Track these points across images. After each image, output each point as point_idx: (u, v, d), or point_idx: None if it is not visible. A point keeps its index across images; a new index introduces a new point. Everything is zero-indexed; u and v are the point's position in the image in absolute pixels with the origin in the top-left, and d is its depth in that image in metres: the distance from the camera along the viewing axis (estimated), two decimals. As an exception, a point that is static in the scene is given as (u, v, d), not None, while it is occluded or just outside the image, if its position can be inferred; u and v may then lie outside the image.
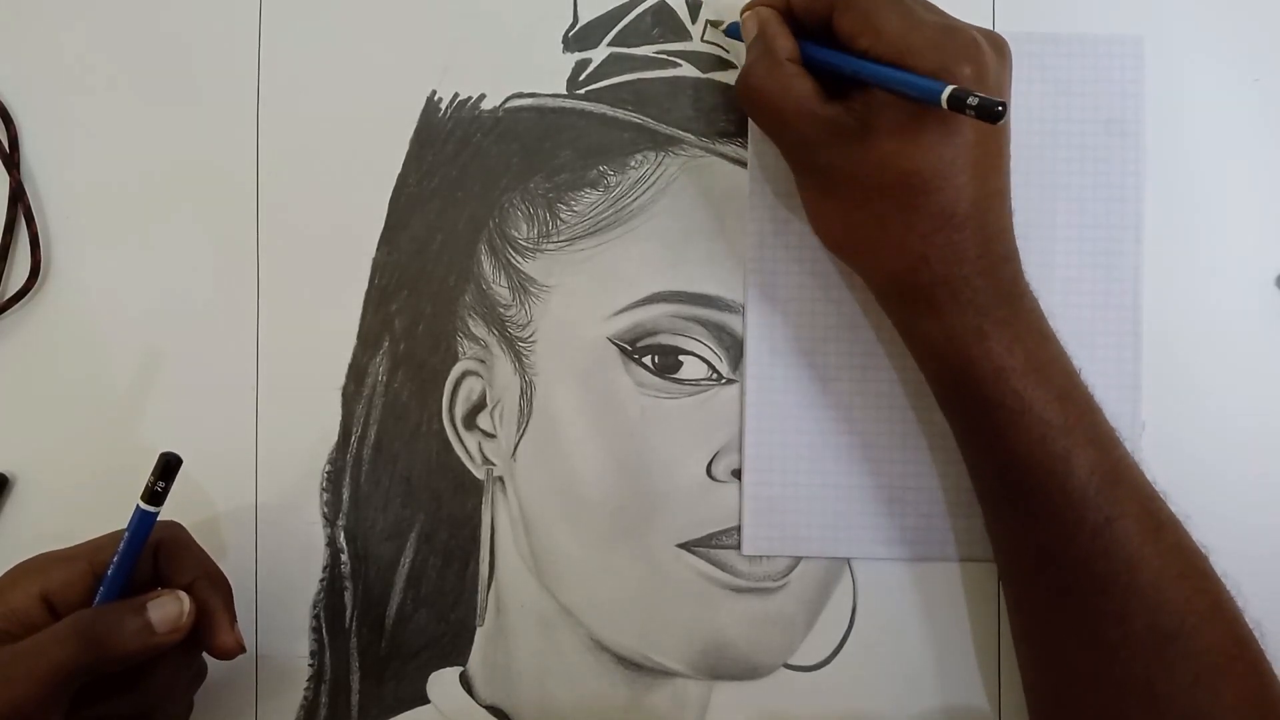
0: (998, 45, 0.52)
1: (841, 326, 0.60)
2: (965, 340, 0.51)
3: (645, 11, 0.61)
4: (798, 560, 0.60)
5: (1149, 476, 0.52)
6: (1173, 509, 0.51)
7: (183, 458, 0.51)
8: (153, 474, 0.51)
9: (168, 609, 0.50)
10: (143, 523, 0.51)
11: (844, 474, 0.60)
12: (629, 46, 0.61)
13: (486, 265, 0.61)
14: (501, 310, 0.61)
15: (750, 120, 0.60)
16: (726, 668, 0.60)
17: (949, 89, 0.47)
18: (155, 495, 0.51)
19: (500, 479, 0.61)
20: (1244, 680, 0.49)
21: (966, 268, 0.51)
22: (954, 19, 0.52)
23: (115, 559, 0.51)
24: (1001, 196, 0.52)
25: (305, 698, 0.60)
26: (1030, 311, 0.52)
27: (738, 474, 0.60)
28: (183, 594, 0.51)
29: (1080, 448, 0.50)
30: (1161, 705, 0.49)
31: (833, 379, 0.60)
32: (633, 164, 0.61)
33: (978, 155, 0.50)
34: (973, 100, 0.46)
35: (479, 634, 0.60)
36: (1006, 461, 0.51)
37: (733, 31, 0.59)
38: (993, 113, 0.45)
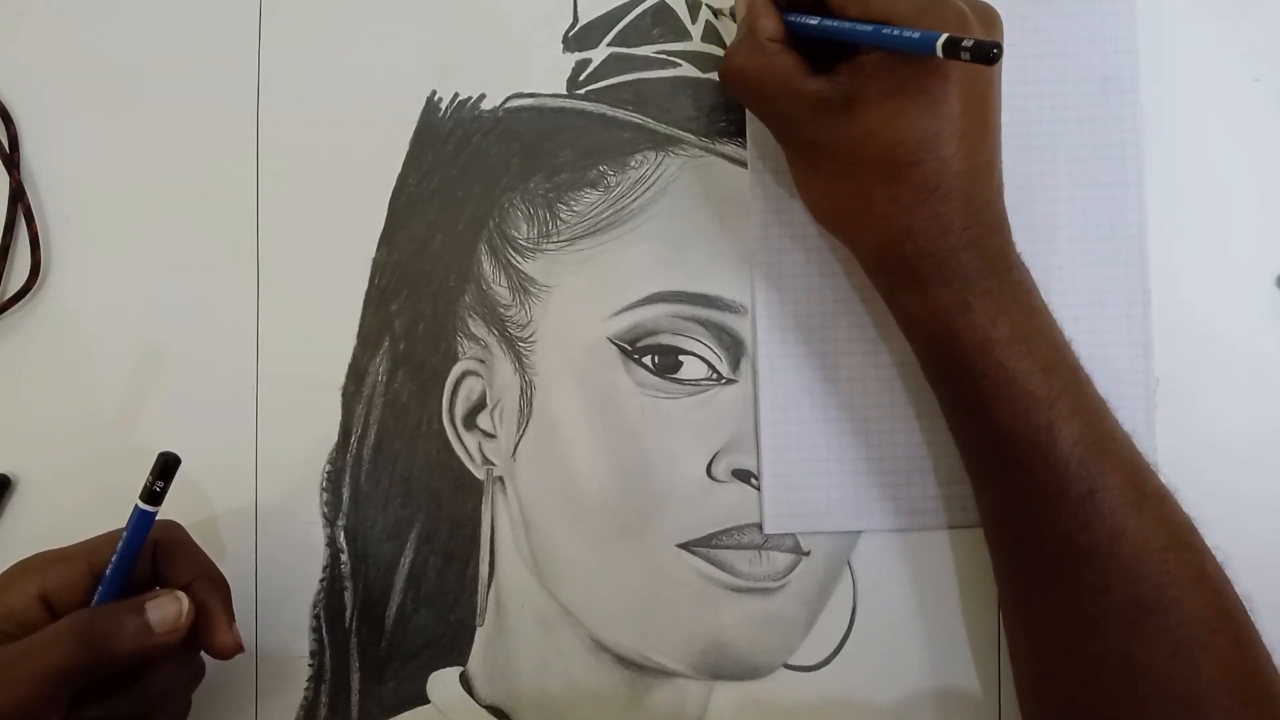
0: (986, 18, 0.51)
1: (851, 300, 0.60)
2: (950, 313, 0.51)
3: (645, 11, 0.61)
4: (798, 560, 0.60)
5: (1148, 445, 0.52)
6: (1161, 480, 0.51)
7: (182, 458, 0.51)
8: (151, 473, 0.51)
9: (166, 609, 0.50)
10: (141, 522, 0.51)
11: (860, 447, 0.60)
12: (629, 46, 0.61)
13: (486, 265, 0.61)
14: (501, 310, 0.61)
15: (747, 112, 0.60)
16: (726, 668, 0.60)
17: (943, 36, 0.46)
18: (154, 495, 0.51)
19: (500, 479, 0.61)
20: (1225, 653, 0.49)
21: (952, 240, 0.50)
22: None
23: (114, 559, 0.51)
24: (990, 168, 0.52)
25: (305, 698, 0.60)
26: (1018, 283, 0.52)
27: (738, 474, 0.60)
28: (181, 594, 0.51)
29: (1064, 420, 0.50)
30: (1139, 677, 0.48)
31: (844, 353, 0.60)
32: (633, 164, 0.61)
33: (964, 126, 0.50)
34: (967, 43, 0.45)
35: (479, 634, 0.60)
36: (991, 433, 0.51)
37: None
38: (988, 55, 0.45)
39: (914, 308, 0.52)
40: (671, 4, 0.61)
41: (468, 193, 0.61)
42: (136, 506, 0.51)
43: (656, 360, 0.60)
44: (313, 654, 0.60)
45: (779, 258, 0.60)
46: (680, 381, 0.60)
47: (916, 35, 0.47)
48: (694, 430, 0.60)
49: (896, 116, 0.50)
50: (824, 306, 0.60)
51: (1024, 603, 0.54)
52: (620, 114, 0.61)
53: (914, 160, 0.50)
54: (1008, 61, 0.57)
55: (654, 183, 0.61)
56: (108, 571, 0.51)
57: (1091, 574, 0.49)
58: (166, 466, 0.51)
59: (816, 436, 0.60)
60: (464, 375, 0.61)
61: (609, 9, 0.62)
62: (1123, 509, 0.49)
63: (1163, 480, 0.51)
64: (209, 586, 0.53)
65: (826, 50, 0.53)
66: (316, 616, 0.60)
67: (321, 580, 0.61)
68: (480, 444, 0.61)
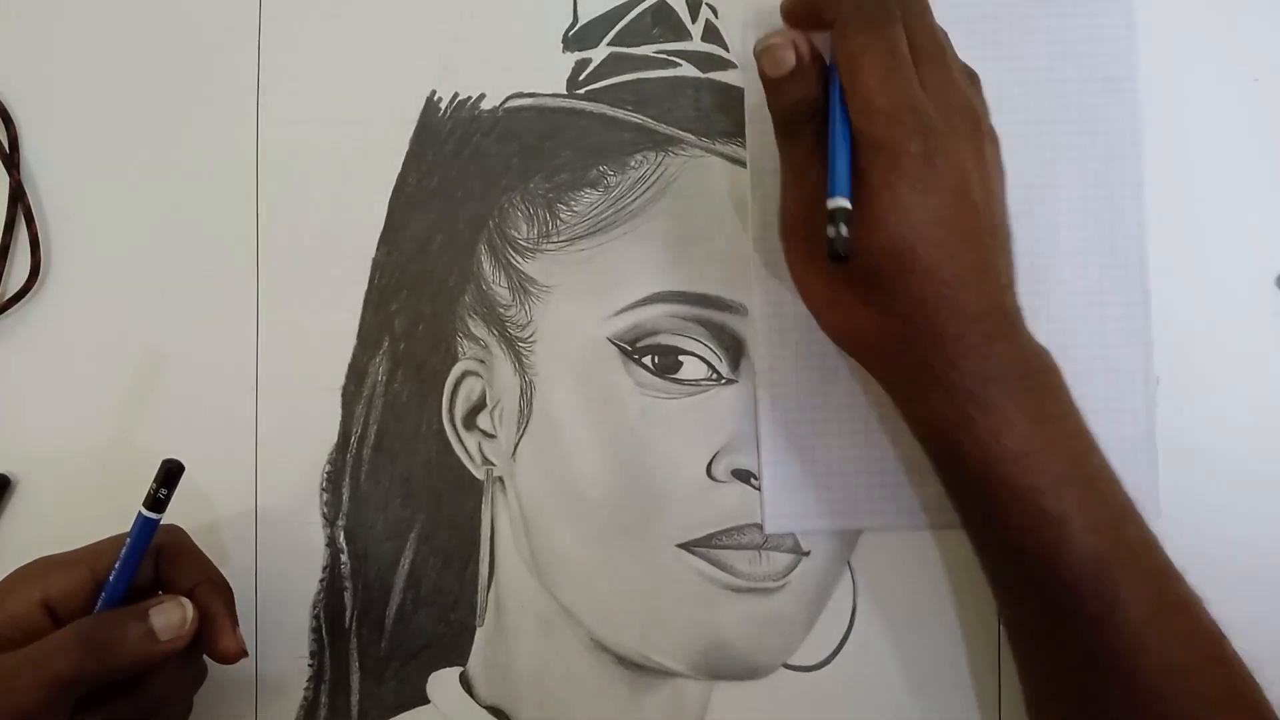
0: (973, 80, 0.51)
1: None
2: (950, 427, 0.49)
3: (645, 11, 0.61)
4: (798, 560, 0.60)
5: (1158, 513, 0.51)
6: (1190, 587, 0.49)
7: (182, 458, 0.51)
8: (155, 481, 0.51)
9: (170, 615, 0.50)
10: (144, 529, 0.51)
11: (860, 447, 0.60)
12: (629, 46, 0.61)
13: (486, 265, 0.61)
14: (501, 310, 0.61)
15: (747, 112, 0.60)
16: (726, 668, 0.60)
17: (839, 202, 0.46)
18: (157, 502, 0.51)
19: (500, 479, 0.61)
20: None
21: (948, 349, 0.48)
22: (950, 80, 0.50)
23: (117, 565, 0.51)
24: (983, 271, 0.49)
25: (305, 698, 0.61)
26: (1027, 390, 0.49)
27: (738, 474, 0.60)
28: (185, 600, 0.51)
29: (1077, 535, 0.47)
30: None
31: (844, 353, 0.60)
32: (633, 164, 0.61)
33: (940, 235, 0.48)
34: (832, 233, 0.46)
35: (479, 634, 0.61)
36: (1001, 547, 0.50)
37: None
38: (836, 253, 0.46)
39: (916, 416, 0.51)
40: (671, 4, 0.61)
41: (468, 193, 0.61)
42: (140, 513, 0.51)
43: (656, 360, 0.60)
44: (313, 654, 0.61)
45: (779, 258, 0.60)
46: (680, 381, 0.60)
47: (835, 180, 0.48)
48: (694, 430, 0.60)
49: (878, 229, 0.47)
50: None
51: (1051, 708, 0.52)
52: (620, 114, 0.61)
53: (896, 271, 0.48)
54: (1008, 61, 0.58)
55: (654, 183, 0.61)
56: (111, 578, 0.51)
57: (1116, 691, 0.48)
58: (170, 474, 0.51)
59: (816, 436, 0.60)
60: (464, 375, 0.61)
61: (609, 9, 0.61)
62: (1142, 625, 0.47)
63: (1189, 586, 0.49)
64: (212, 591, 0.53)
65: None
66: (316, 617, 0.61)
67: (321, 580, 0.61)
68: (480, 444, 0.61)
